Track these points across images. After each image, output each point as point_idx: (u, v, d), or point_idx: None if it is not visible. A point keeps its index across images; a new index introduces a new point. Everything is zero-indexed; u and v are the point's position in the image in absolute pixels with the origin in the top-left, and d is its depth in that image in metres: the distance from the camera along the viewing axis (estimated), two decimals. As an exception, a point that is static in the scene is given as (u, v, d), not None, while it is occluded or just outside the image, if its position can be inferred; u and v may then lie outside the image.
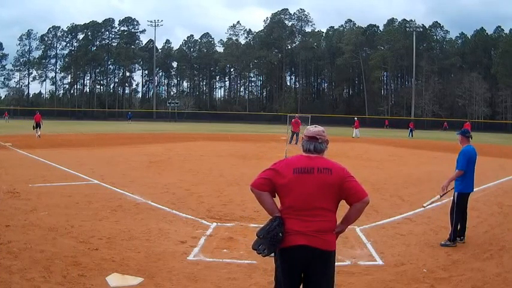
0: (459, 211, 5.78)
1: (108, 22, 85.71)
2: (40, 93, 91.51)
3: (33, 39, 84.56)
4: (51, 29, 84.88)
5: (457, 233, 5.77)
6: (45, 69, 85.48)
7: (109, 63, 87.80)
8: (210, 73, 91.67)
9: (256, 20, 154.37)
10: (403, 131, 48.60)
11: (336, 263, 2.89)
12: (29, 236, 5.49)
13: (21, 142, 20.13)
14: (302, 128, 22.39)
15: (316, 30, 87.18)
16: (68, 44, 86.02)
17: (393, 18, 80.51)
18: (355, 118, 35.85)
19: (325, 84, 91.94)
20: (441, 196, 5.90)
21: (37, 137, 23.65)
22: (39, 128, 24.58)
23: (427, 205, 6.08)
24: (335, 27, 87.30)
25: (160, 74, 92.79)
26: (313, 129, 2.96)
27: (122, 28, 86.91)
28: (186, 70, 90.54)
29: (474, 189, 6.08)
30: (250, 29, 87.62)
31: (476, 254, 5.34)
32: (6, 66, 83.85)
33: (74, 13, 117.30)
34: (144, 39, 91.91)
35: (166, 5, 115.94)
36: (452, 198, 5.95)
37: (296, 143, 21.61)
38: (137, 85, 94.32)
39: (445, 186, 5.86)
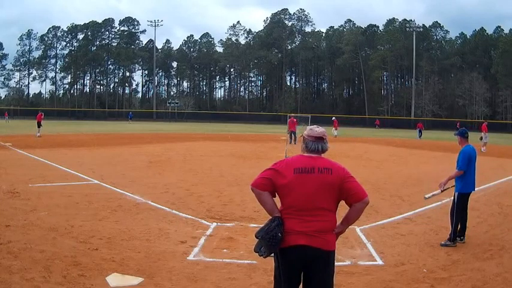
0: (459, 211, 5.78)
1: (108, 22, 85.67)
2: (40, 93, 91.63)
3: (33, 39, 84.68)
4: (51, 29, 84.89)
5: (457, 233, 5.78)
6: (45, 69, 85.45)
7: (109, 63, 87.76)
8: (210, 73, 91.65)
9: (255, 20, 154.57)
10: (402, 131, 48.60)
11: (336, 263, 2.89)
12: (29, 236, 5.49)
13: (21, 142, 20.13)
14: (302, 128, 22.45)
15: (316, 30, 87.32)
16: (68, 44, 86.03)
17: (393, 18, 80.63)
18: (333, 118, 35.30)
19: (325, 84, 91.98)
20: (442, 191, 5.90)
21: (36, 137, 23.69)
22: (39, 127, 24.67)
23: (429, 196, 6.03)
24: (335, 27, 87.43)
25: (160, 74, 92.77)
26: (318, 129, 2.96)
27: (122, 28, 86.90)
28: (186, 70, 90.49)
29: (475, 189, 6.07)
30: (250, 29, 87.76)
31: (476, 254, 5.33)
32: (6, 66, 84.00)
33: (72, 13, 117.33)
34: (144, 39, 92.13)
35: (163, 4, 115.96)
36: (452, 198, 5.95)
37: (295, 143, 21.70)
38: (137, 85, 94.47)
39: (443, 183, 5.87)
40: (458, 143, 6.09)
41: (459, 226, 5.81)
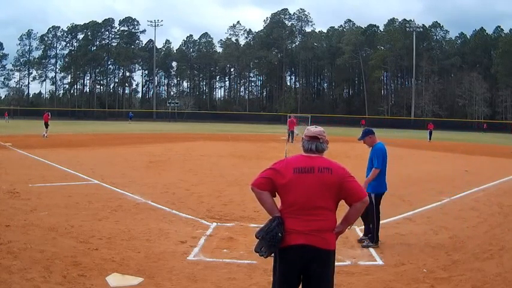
0: (378, 211, 5.61)
1: (108, 22, 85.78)
2: (40, 93, 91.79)
3: (33, 39, 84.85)
4: (51, 29, 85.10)
5: (364, 233, 5.74)
6: (45, 69, 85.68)
7: (109, 63, 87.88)
8: (210, 73, 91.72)
9: (253, 20, 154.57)
10: (402, 131, 48.57)
11: (336, 263, 2.89)
12: (29, 236, 5.48)
13: (21, 142, 20.12)
14: (302, 128, 22.61)
15: (316, 30, 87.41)
16: (68, 44, 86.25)
17: (393, 18, 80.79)
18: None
19: (325, 84, 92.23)
20: None
21: (43, 137, 23.70)
22: (47, 128, 24.73)
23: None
24: (335, 27, 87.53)
25: (160, 74, 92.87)
26: (314, 129, 2.97)
27: (122, 28, 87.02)
28: (186, 70, 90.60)
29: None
30: (250, 29, 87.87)
31: (476, 254, 5.33)
32: (6, 66, 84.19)
33: (67, 12, 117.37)
34: (144, 39, 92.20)
35: (159, 4, 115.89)
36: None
37: (292, 141, 21.99)
38: (137, 85, 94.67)
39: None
40: (368, 145, 5.75)
41: (364, 226, 5.73)
